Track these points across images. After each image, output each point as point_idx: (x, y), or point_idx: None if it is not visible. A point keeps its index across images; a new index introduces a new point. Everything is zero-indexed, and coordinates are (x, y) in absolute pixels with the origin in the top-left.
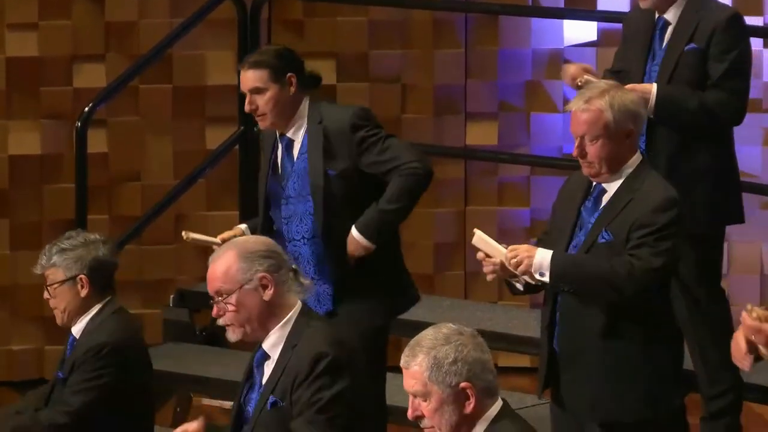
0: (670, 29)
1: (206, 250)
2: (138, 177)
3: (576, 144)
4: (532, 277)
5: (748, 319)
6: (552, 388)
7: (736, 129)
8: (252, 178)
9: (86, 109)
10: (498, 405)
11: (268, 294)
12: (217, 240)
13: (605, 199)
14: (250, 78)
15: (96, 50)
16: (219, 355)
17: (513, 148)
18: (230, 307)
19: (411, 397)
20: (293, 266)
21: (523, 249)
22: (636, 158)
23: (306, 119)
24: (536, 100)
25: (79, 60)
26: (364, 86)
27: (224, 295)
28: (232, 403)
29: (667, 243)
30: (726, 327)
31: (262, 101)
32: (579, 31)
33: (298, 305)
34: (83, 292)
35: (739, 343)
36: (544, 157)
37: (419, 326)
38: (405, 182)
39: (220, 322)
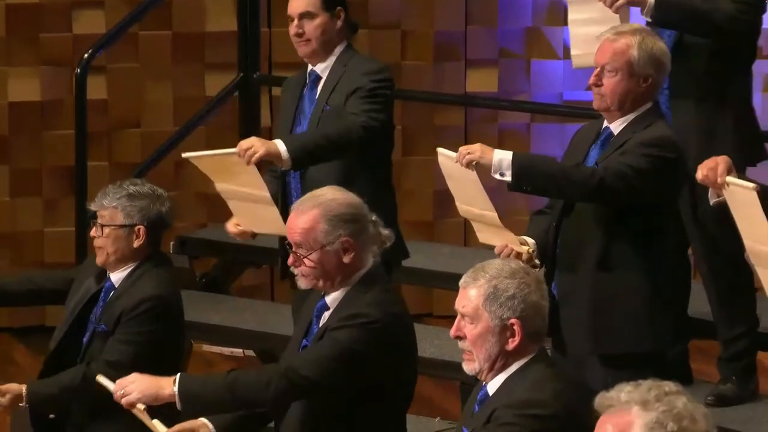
0: None
1: (206, 198)
2: (138, 123)
3: (595, 72)
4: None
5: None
6: (553, 335)
7: None
8: (251, 125)
9: (86, 55)
10: (536, 349)
11: (348, 257)
12: (213, 153)
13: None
14: (302, 2)
15: None
16: (219, 301)
17: (513, 95)
18: (308, 263)
19: (458, 317)
20: (373, 218)
21: (477, 145)
22: (647, 105)
23: (335, 59)
24: (536, 47)
25: (79, 6)
26: (363, 33)
27: (302, 251)
28: (232, 349)
29: (645, 163)
30: (743, 267)
31: (311, 27)
32: None
33: (369, 265)
34: (136, 243)
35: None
36: (544, 103)
37: (418, 273)
38: (347, 132)
39: (294, 270)
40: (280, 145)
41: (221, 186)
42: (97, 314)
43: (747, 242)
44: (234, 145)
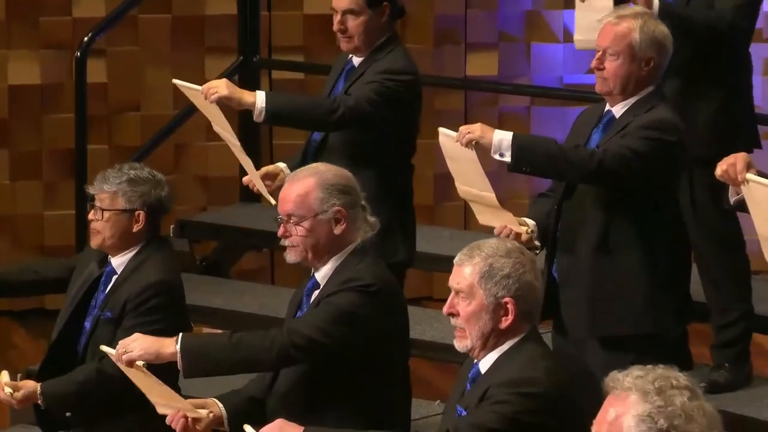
0: None
1: (206, 182)
2: (137, 107)
3: (597, 56)
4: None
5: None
6: (553, 317)
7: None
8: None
9: (86, 38)
10: (528, 328)
11: (339, 228)
12: (200, 88)
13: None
14: None
15: None
16: (219, 285)
17: (513, 79)
18: (300, 231)
19: (452, 294)
20: (363, 203)
21: (477, 125)
22: (649, 88)
23: (370, 53)
24: (536, 30)
25: None
26: None
27: (295, 219)
28: None
29: (645, 146)
30: (739, 253)
31: (354, 24)
32: None
33: (357, 242)
34: (136, 227)
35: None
36: (544, 87)
37: (418, 256)
38: (330, 107)
39: (285, 242)
40: (258, 97)
41: (216, 127)
42: (99, 300)
43: (765, 243)
44: (234, 128)
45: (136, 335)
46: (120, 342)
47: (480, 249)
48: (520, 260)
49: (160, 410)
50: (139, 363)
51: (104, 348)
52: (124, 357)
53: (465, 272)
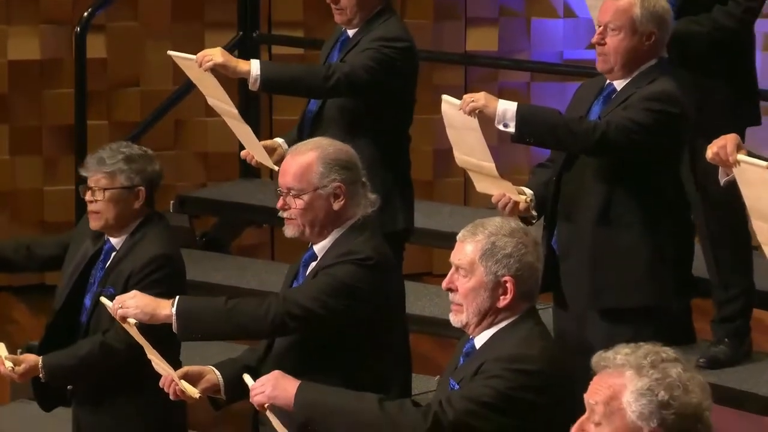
0: None
1: (206, 157)
2: (137, 82)
3: (598, 31)
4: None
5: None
6: (553, 290)
7: None
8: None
9: (85, 14)
10: (526, 307)
11: (338, 204)
12: (194, 57)
13: (614, 96)
14: None
15: None
16: (219, 260)
17: (513, 54)
18: (298, 204)
19: (452, 269)
20: (364, 179)
21: (481, 94)
22: (651, 62)
23: (364, 24)
24: (536, 5)
25: None
26: None
27: (294, 192)
28: None
29: (648, 118)
30: (741, 230)
31: None
32: None
33: (357, 217)
34: (137, 204)
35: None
36: (544, 62)
37: (418, 232)
38: (326, 74)
39: (283, 215)
40: (253, 66)
41: (211, 100)
42: (98, 277)
43: (756, 222)
44: (235, 103)
45: (135, 293)
46: (118, 297)
47: (483, 227)
48: (523, 240)
49: (156, 368)
50: (131, 321)
51: (103, 299)
52: (119, 312)
53: (467, 249)
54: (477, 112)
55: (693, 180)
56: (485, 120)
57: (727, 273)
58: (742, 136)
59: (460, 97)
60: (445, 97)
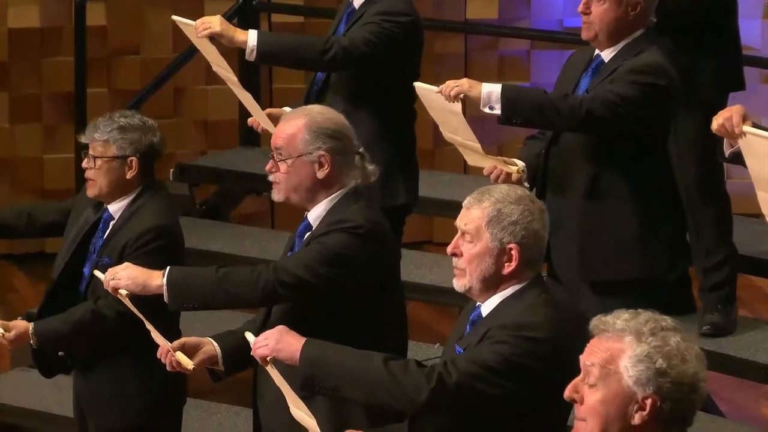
0: None
1: (206, 125)
2: (137, 50)
3: (584, 0)
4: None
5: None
6: (547, 262)
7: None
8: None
9: None
10: (532, 276)
11: (322, 173)
12: (192, 23)
13: (602, 68)
14: None
15: None
16: (219, 228)
17: (513, 22)
18: (282, 168)
19: (458, 234)
20: (360, 150)
21: (464, 79)
22: (638, 32)
23: None
24: None
25: None
26: None
27: (281, 155)
28: None
29: (634, 91)
30: (721, 197)
31: None
32: None
33: (351, 185)
34: (129, 174)
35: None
36: (544, 30)
37: (419, 200)
38: (323, 47)
39: (271, 177)
40: (251, 36)
41: (215, 67)
42: (97, 246)
43: (760, 194)
44: (235, 71)
45: (126, 264)
46: (110, 269)
47: (490, 193)
48: (529, 208)
49: (155, 339)
50: (123, 292)
51: (96, 272)
52: (110, 283)
53: (473, 214)
54: (461, 96)
55: (674, 150)
56: (472, 103)
57: (708, 240)
58: (725, 102)
59: (459, 66)
60: (417, 84)
